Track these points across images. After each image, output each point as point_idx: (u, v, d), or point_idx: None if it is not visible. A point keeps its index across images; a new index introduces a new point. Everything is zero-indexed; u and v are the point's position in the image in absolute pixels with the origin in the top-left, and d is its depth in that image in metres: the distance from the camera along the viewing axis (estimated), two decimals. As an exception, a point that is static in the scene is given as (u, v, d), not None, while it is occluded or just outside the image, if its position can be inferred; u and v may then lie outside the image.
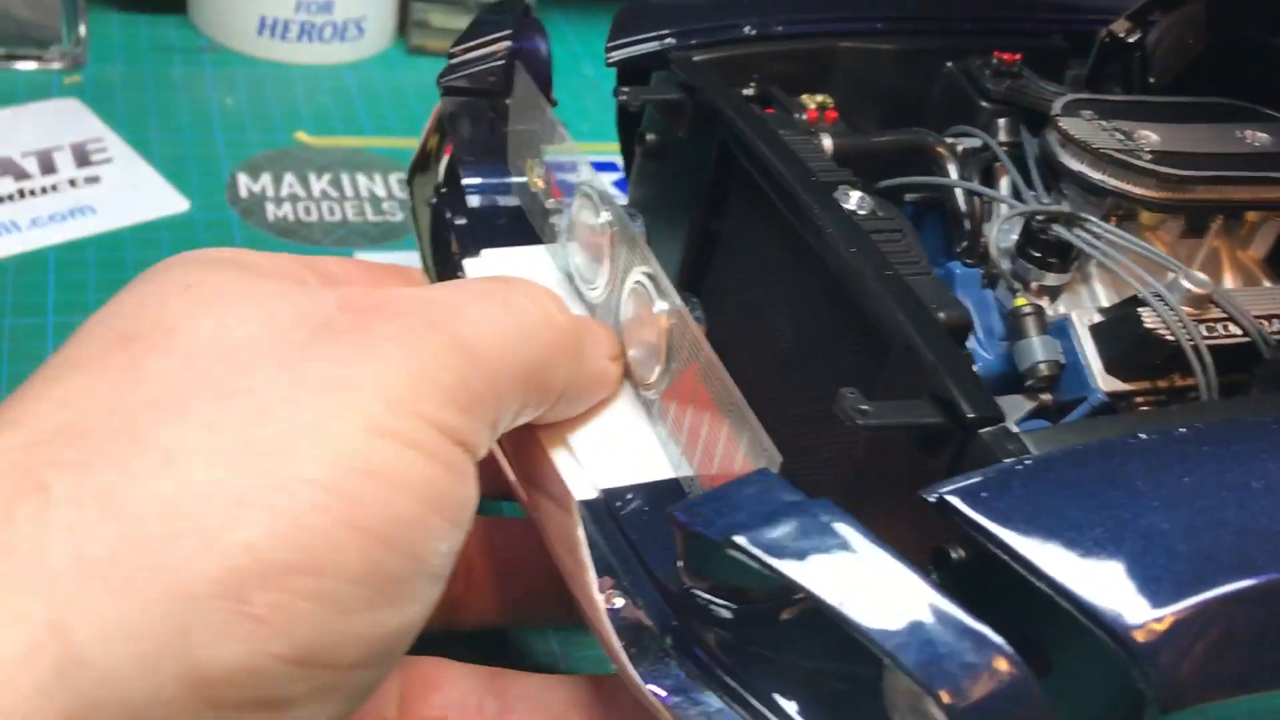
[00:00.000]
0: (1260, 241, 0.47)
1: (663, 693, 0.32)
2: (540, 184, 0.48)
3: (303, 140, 0.84)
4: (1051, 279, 0.44)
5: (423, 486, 0.28)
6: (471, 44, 0.52)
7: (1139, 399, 0.41)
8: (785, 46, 0.52)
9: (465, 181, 0.51)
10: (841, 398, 0.33)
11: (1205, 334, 0.40)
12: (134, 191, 0.75)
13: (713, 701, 0.32)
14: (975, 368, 0.42)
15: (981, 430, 0.32)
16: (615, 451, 0.39)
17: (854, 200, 0.41)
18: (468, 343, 0.31)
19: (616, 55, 0.50)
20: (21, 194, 0.73)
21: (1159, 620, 0.28)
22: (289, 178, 0.79)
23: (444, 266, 0.49)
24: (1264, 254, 0.47)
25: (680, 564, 0.32)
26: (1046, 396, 0.42)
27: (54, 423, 0.26)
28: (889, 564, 0.28)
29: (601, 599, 0.34)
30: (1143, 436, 0.32)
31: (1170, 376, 0.41)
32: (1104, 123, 0.45)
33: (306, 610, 0.26)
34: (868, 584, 0.28)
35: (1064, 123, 0.45)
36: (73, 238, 0.70)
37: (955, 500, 0.30)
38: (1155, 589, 0.28)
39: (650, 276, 0.38)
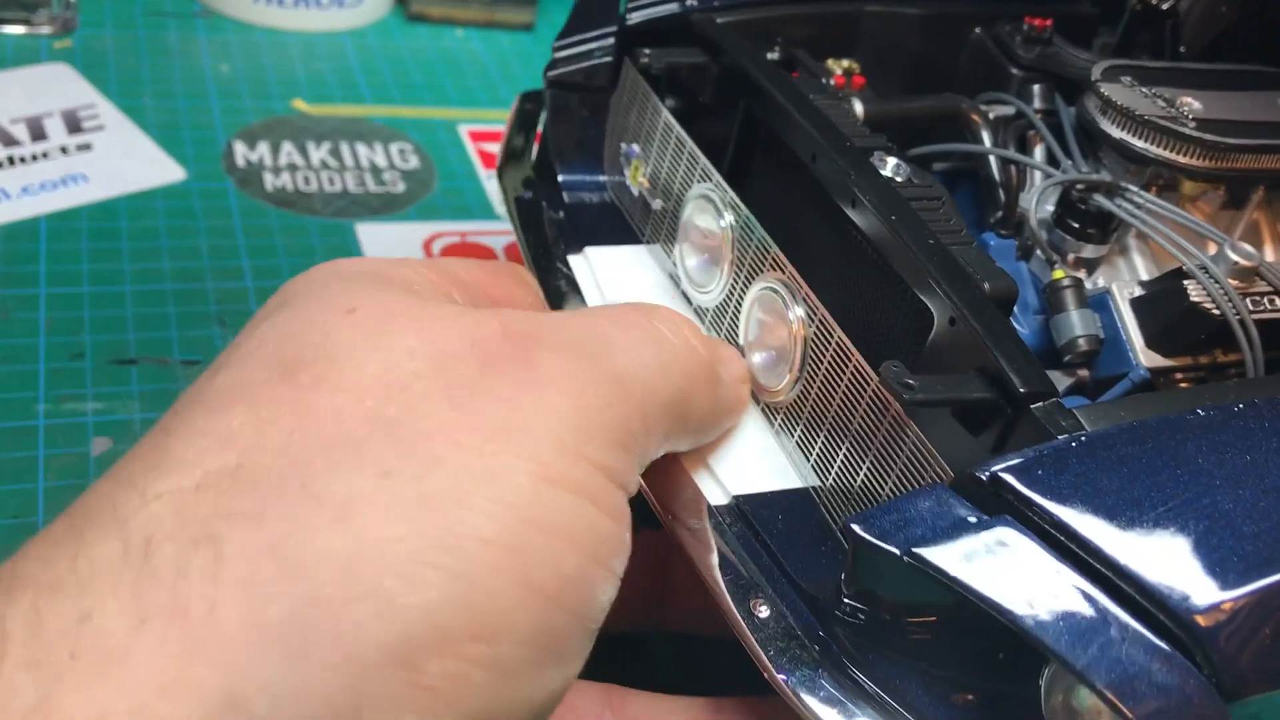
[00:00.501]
0: (1301, 214, 0.46)
1: (814, 703, 0.31)
2: (645, 183, 0.47)
3: (301, 108, 0.83)
4: (1090, 251, 0.43)
5: (590, 536, 0.27)
6: (575, 39, 0.50)
7: (1180, 375, 0.40)
8: (810, 9, 0.51)
9: (561, 178, 0.50)
10: (886, 370, 0.32)
11: (1251, 308, 0.39)
12: (128, 160, 0.74)
13: (865, 712, 0.31)
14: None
15: (1034, 405, 0.31)
16: (743, 461, 0.38)
17: (890, 166, 0.40)
18: (623, 377, 0.30)
19: (637, 17, 0.49)
20: (11, 161, 0.71)
21: (1225, 604, 0.27)
22: (287, 146, 0.78)
23: (541, 260, 0.48)
24: (1305, 227, 0.46)
25: (844, 575, 0.31)
26: (1084, 372, 0.41)
27: (220, 463, 0.25)
28: (1071, 579, 0.27)
29: (742, 609, 0.34)
30: (1201, 413, 0.31)
31: (1213, 352, 0.40)
32: (1145, 89, 0.44)
33: (478, 678, 0.24)
34: (1051, 599, 0.27)
35: (1105, 88, 0.44)
36: (65, 206, 0.69)
37: (1009, 478, 0.29)
38: (1221, 571, 0.27)
39: (784, 283, 0.37)
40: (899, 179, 0.39)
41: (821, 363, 0.36)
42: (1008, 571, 0.27)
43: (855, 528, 0.30)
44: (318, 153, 0.77)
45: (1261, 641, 0.27)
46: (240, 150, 0.76)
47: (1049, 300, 0.41)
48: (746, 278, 0.39)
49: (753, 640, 0.32)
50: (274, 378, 0.27)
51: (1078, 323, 0.40)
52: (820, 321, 0.36)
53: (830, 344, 0.35)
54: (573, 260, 0.45)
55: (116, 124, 0.77)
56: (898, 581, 0.30)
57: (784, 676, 0.32)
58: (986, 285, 0.35)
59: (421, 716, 0.24)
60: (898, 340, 0.37)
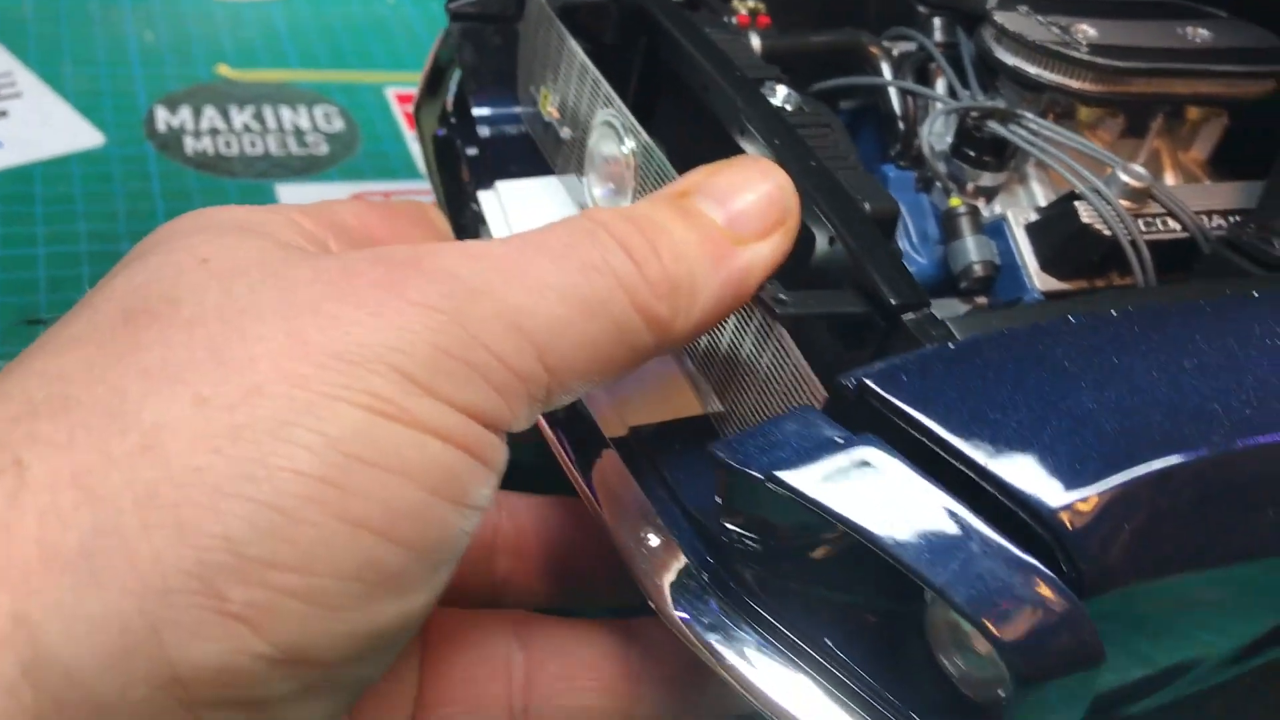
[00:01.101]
0: (1203, 141, 0.46)
1: (700, 629, 0.31)
2: (554, 113, 0.46)
3: (225, 74, 0.82)
4: (988, 179, 0.43)
5: (433, 473, 0.26)
6: None
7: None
8: (714, -51, 0.51)
9: (475, 112, 0.50)
10: (759, 288, 0.32)
11: (1144, 229, 0.39)
12: (44, 126, 0.73)
13: (750, 635, 0.31)
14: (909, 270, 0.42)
15: (905, 317, 0.31)
16: (643, 389, 0.37)
17: (780, 95, 0.40)
18: (520, 312, 0.27)
19: (537, -41, 0.49)
20: (-76, 129, 0.70)
21: (1084, 500, 0.27)
22: (209, 111, 0.77)
23: (455, 199, 0.47)
24: (1207, 154, 0.46)
25: (719, 501, 0.31)
26: (982, 300, 0.41)
27: (43, 395, 0.25)
28: (935, 497, 0.27)
29: (631, 538, 0.33)
30: (1072, 320, 0.31)
31: (1108, 275, 0.40)
32: (1040, 18, 0.44)
33: (291, 608, 0.24)
34: (913, 518, 0.27)
35: (1000, 17, 0.44)
36: (-22, 173, 0.68)
37: (873, 383, 0.29)
38: (1080, 469, 0.27)
39: None
40: (789, 107, 0.39)
41: None
42: (868, 491, 0.27)
43: (718, 453, 0.29)
44: (240, 117, 0.77)
45: (1124, 535, 0.27)
46: (162, 116, 0.76)
47: (945, 228, 0.42)
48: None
49: (639, 569, 0.33)
50: (116, 324, 0.27)
51: (973, 248, 0.41)
52: None
53: None
54: (482, 195, 0.45)
55: (34, 91, 0.76)
56: (774, 507, 0.30)
57: (672, 606, 0.32)
58: (867, 205, 0.35)
59: (228, 643, 0.23)
60: (787, 265, 0.37)
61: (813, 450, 0.29)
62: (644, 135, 0.38)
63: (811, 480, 0.28)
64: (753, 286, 0.31)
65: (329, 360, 0.25)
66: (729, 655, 0.31)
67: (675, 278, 0.30)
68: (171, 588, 0.23)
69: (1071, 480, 0.27)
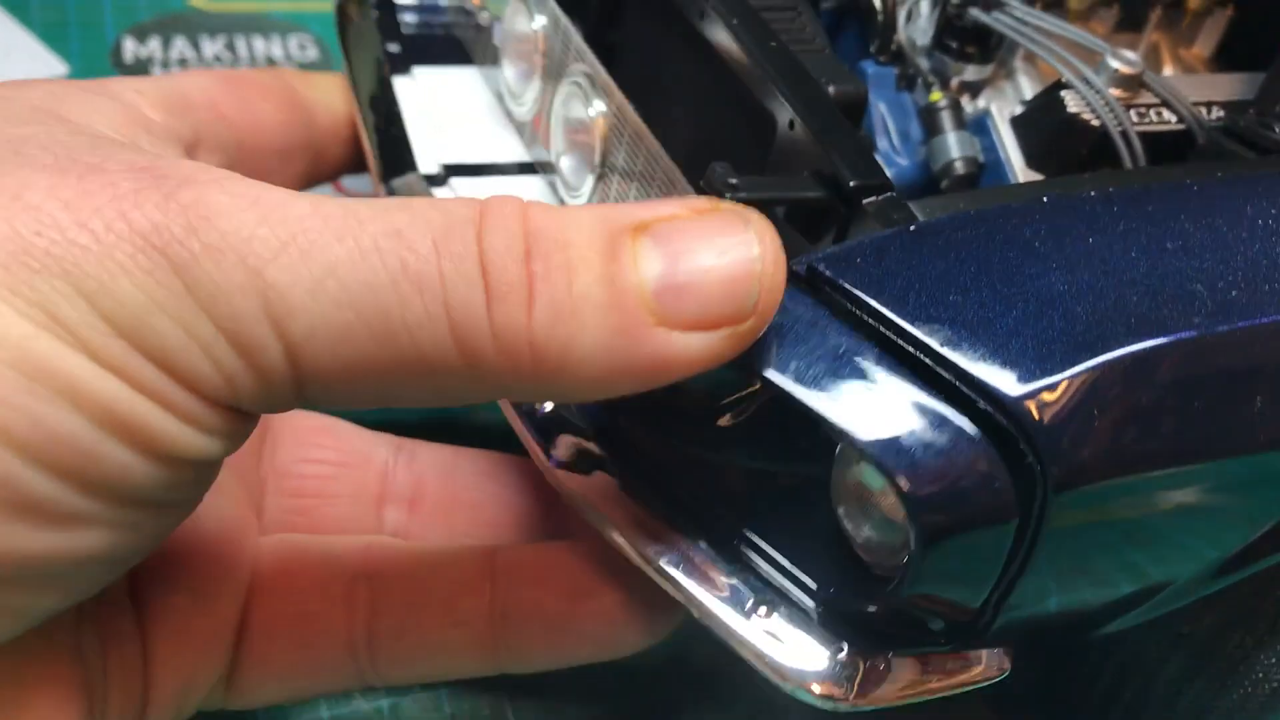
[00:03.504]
0: (1205, 37, 0.44)
1: (587, 499, 0.30)
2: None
3: (197, 4, 0.80)
4: (972, 73, 0.41)
5: (110, 410, 0.23)
6: None
7: (1066, 199, 0.38)
8: None
9: (398, 0, 0.48)
10: (710, 171, 0.30)
11: (1136, 120, 0.37)
12: (5, 58, 0.71)
13: (640, 507, 0.29)
14: (889, 173, 0.40)
15: (865, 201, 0.29)
16: None
17: (745, -20, 0.38)
18: (278, 295, 0.23)
19: None
20: (-119, 60, 0.69)
21: (1051, 387, 0.25)
22: (179, 42, 0.75)
23: (376, 92, 0.45)
24: (1210, 51, 0.44)
25: None
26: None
27: None
28: (844, 343, 0.25)
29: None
30: (1045, 200, 0.29)
31: (1099, 170, 0.38)
32: (1029, -102, 0.42)
33: None
34: (820, 363, 0.25)
35: (984, -103, 0.41)
36: (-63, 105, 0.66)
37: (822, 267, 0.27)
38: (1047, 354, 0.26)
39: (588, 76, 0.35)
40: (754, -9, 0.37)
41: (625, 161, 0.34)
42: (773, 335, 0.25)
43: None
44: (212, 47, 0.75)
45: (1095, 426, 0.25)
46: (130, 46, 0.74)
47: (925, 124, 0.40)
48: (556, 79, 0.37)
49: (525, 431, 0.31)
50: None
51: (954, 144, 0.38)
52: (617, 110, 0.34)
53: (625, 134, 0.33)
54: (400, 82, 0.43)
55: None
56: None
57: (553, 464, 0.30)
58: (831, 88, 0.33)
59: None
60: (750, 154, 0.35)
61: None
62: (554, 8, 0.36)
63: None
64: (664, 379, 0.25)
65: (5, 256, 0.22)
66: (617, 527, 0.29)
67: (544, 340, 0.24)
68: None
69: (1037, 365, 0.25)
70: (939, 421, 0.24)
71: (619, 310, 0.24)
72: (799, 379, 0.25)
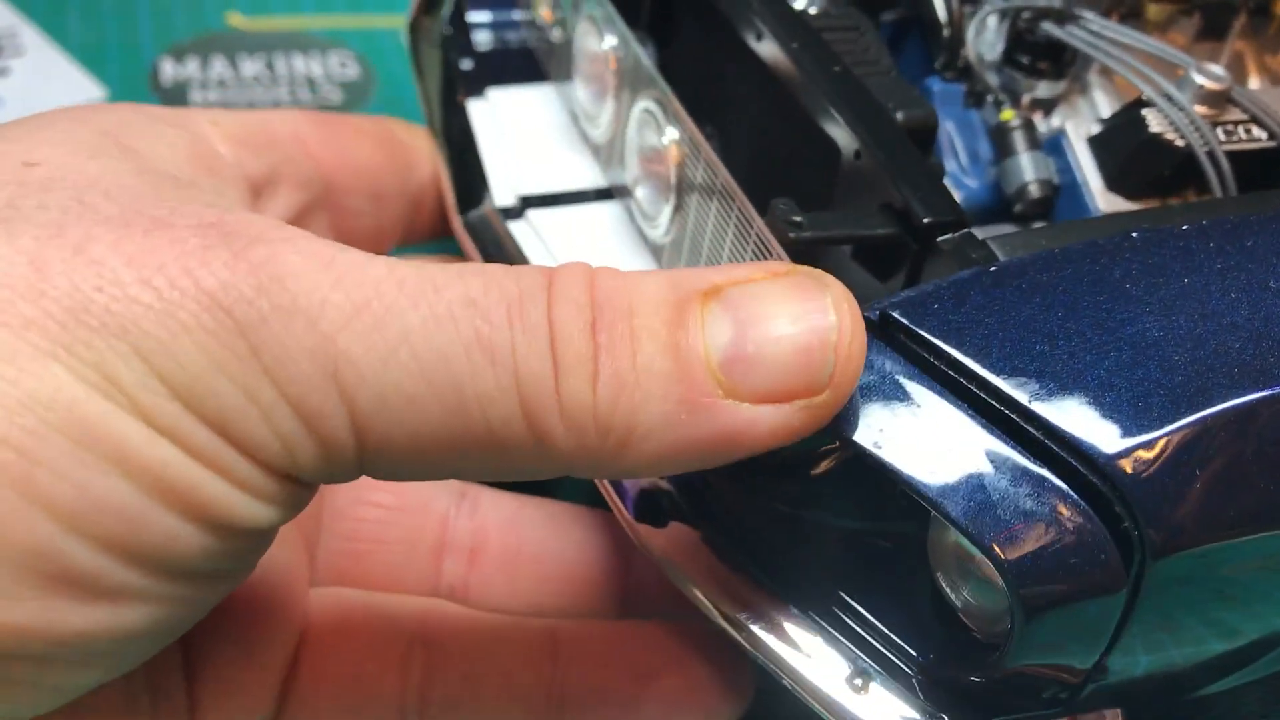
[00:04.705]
0: (1294, 43, 0.42)
1: (662, 553, 0.29)
2: (547, 15, 0.43)
3: (235, 24, 0.80)
4: (1044, 89, 0.39)
5: (161, 477, 0.22)
6: None
7: (1148, 223, 0.37)
8: None
9: (471, 19, 0.46)
10: (773, 209, 0.29)
11: (1223, 139, 0.35)
12: (46, 83, 0.72)
13: (718, 567, 0.28)
14: (957, 195, 0.38)
15: (940, 239, 0.28)
16: None
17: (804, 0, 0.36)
18: (346, 363, 0.22)
19: None
20: (-78, 89, 0.69)
21: (1149, 445, 0.24)
22: (218, 62, 0.75)
23: (450, 117, 0.45)
24: (1299, 58, 0.42)
25: None
26: (1040, 225, 0.38)
27: None
28: (935, 404, 0.24)
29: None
30: (1135, 235, 0.27)
31: (1183, 192, 0.36)
32: (1103, -97, 0.40)
33: None
34: (910, 426, 0.24)
35: (1055, -97, 0.40)
36: (-24, 132, 0.67)
37: (897, 314, 0.25)
38: (1144, 407, 0.24)
39: (659, 103, 0.34)
40: (813, 10, 0.36)
41: (700, 192, 0.33)
42: (863, 397, 0.24)
43: None
44: (251, 67, 0.75)
45: (1197, 485, 0.24)
46: (168, 68, 0.74)
47: (996, 144, 0.38)
48: (629, 103, 0.36)
49: (613, 494, 0.30)
50: None
51: (1028, 166, 0.37)
52: (690, 141, 0.32)
53: (700, 166, 0.32)
54: (474, 106, 0.42)
55: (37, 48, 0.75)
56: None
57: (636, 519, 0.29)
58: (899, 114, 0.32)
59: None
60: (814, 185, 0.34)
61: None
62: (624, 29, 0.35)
63: None
64: (735, 454, 0.24)
65: (62, 313, 0.21)
66: (700, 585, 0.28)
67: (607, 415, 0.23)
68: None
69: (1133, 420, 0.24)
70: (1035, 484, 0.23)
71: (684, 382, 0.23)
72: (879, 441, 0.23)
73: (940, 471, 0.23)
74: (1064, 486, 0.23)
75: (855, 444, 0.24)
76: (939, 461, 0.23)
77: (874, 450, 0.23)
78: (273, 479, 0.23)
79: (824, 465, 0.27)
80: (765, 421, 0.23)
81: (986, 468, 0.23)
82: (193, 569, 0.24)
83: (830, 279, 0.24)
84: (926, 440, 0.24)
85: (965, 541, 0.25)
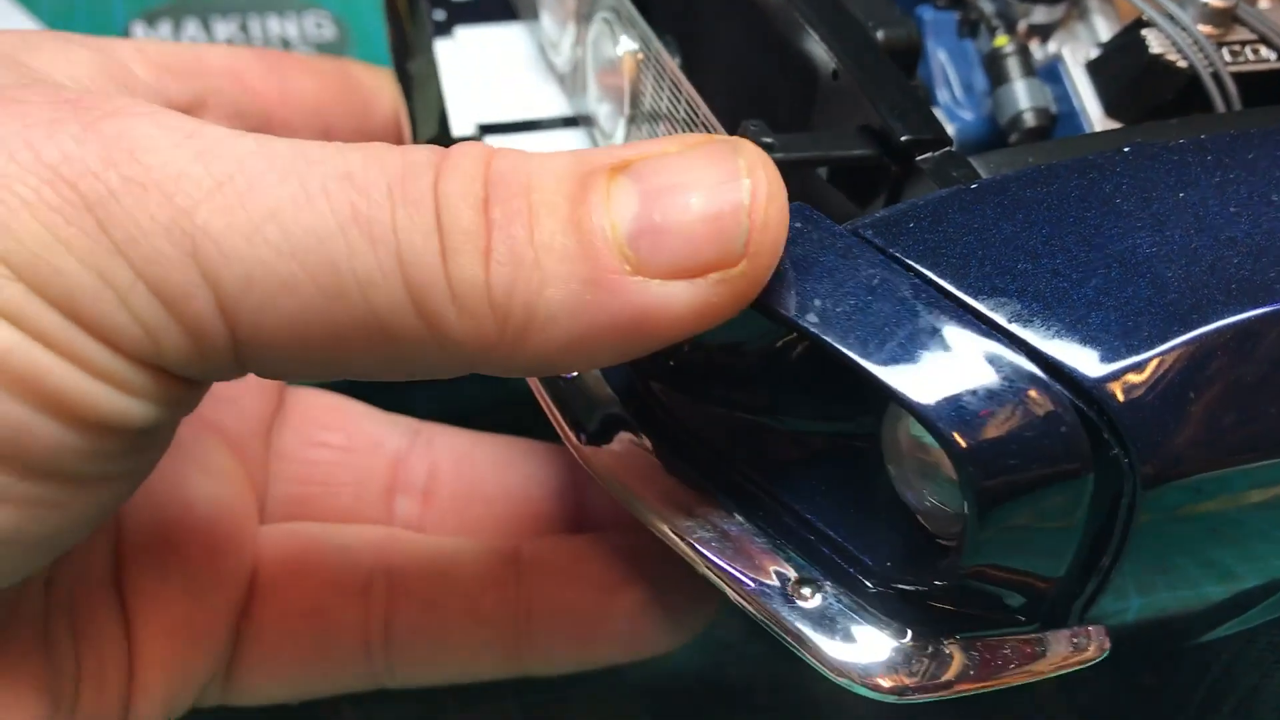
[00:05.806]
0: (1307, -38, 0.40)
1: (607, 471, 0.27)
2: None
3: (213, -17, 0.79)
4: (1041, 14, 0.38)
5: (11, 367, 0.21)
6: None
7: (1150, 151, 0.36)
8: None
9: None
10: (743, 130, 0.28)
11: (1229, 59, 0.34)
12: (14, 46, 0.71)
13: (667, 484, 0.27)
14: (950, 129, 0.37)
15: (920, 158, 0.27)
16: None
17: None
18: (208, 239, 0.21)
19: None
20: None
21: (1139, 367, 0.23)
22: (191, 25, 0.75)
23: (414, 53, 0.43)
24: (1312, -22, 0.41)
25: None
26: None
27: None
28: (878, 276, 0.23)
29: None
30: (1127, 150, 0.26)
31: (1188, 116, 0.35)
32: None
33: None
34: (861, 307, 0.23)
35: None
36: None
37: (870, 235, 0.24)
38: (1133, 327, 0.23)
39: (615, 10, 0.33)
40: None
41: (662, 100, 0.32)
42: (821, 285, 0.23)
43: None
44: (224, 30, 0.74)
45: (1191, 410, 0.23)
46: (140, 32, 0.74)
47: (990, 73, 0.37)
48: (589, 18, 0.35)
49: (549, 400, 0.29)
50: None
51: (1023, 94, 0.36)
52: (644, 50, 0.31)
53: (650, 72, 0.31)
54: (441, 45, 0.41)
55: (5, 12, 0.74)
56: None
57: (582, 436, 0.28)
58: (880, 33, 0.31)
59: None
60: (793, 109, 0.33)
61: None
62: None
63: None
64: (652, 339, 0.22)
65: None
66: (646, 502, 0.27)
67: (504, 297, 0.21)
68: None
69: (1121, 341, 0.23)
70: (989, 361, 0.22)
71: (588, 259, 0.21)
72: (822, 320, 0.22)
73: (892, 352, 0.22)
74: (1021, 362, 0.22)
75: (796, 322, 0.22)
76: (891, 341, 0.22)
77: (816, 330, 0.22)
78: (140, 370, 0.22)
79: (771, 358, 0.26)
80: (680, 299, 0.21)
81: (941, 348, 0.22)
82: (61, 469, 0.22)
83: (745, 143, 0.22)
84: (879, 321, 0.22)
85: (921, 433, 0.24)
